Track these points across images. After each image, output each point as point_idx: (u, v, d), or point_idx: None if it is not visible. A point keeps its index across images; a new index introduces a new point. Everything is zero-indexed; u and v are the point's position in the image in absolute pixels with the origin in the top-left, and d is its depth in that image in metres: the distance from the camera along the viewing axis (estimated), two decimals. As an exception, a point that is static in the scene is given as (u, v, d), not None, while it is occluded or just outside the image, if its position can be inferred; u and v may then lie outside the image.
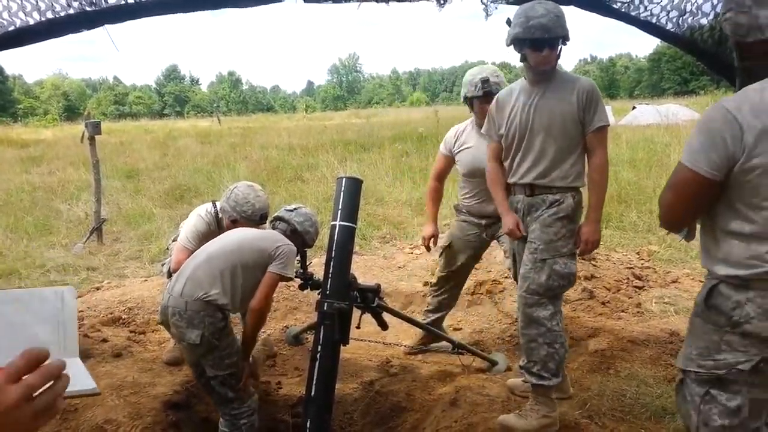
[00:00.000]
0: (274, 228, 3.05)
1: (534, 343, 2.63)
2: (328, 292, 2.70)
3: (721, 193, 1.63)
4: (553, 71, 2.63)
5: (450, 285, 3.75)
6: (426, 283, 5.39)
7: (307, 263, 3.38)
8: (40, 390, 0.70)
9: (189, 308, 2.59)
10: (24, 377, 0.69)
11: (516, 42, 2.58)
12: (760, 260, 1.58)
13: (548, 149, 2.61)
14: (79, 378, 1.05)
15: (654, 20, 2.89)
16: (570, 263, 2.65)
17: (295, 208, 3.09)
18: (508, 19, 2.63)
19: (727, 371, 1.67)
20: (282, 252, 2.79)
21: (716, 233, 1.68)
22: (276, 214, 3.10)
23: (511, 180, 2.78)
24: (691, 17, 2.99)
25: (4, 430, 0.67)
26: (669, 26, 2.89)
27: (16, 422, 0.68)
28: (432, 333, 3.75)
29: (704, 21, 3.01)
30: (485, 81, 3.33)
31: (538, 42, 2.51)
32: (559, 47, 2.58)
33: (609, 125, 2.70)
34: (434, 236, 3.79)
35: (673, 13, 2.87)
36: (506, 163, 2.79)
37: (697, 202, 1.68)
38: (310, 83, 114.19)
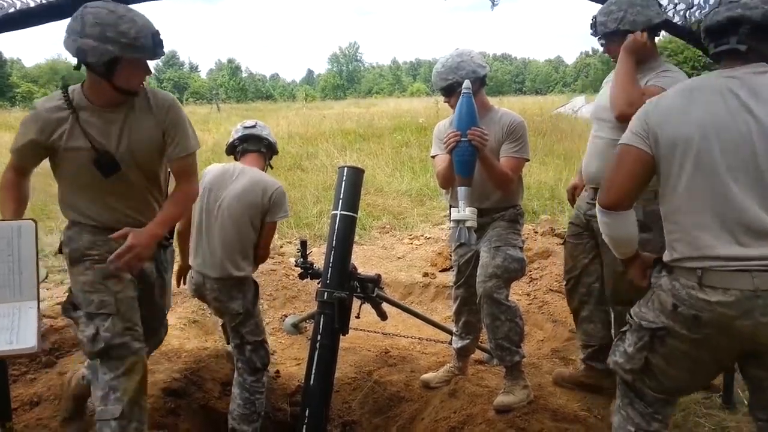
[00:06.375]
0: (244, 151, 2.95)
1: (498, 321, 2.81)
2: (328, 282, 2.69)
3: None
4: (482, 107, 2.83)
5: None
6: (425, 274, 5.40)
7: (308, 252, 3.37)
8: None
9: (225, 285, 2.77)
10: None
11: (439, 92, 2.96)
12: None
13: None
14: (22, 334, 0.90)
15: (661, 13, 2.88)
16: (520, 252, 2.91)
17: (253, 124, 2.98)
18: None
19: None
20: (275, 198, 2.79)
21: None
22: (239, 136, 2.94)
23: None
24: (699, 10, 2.97)
25: None
26: (676, 19, 2.87)
27: None
28: (434, 325, 3.75)
29: (711, 14, 3.00)
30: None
31: (443, 91, 2.87)
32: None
33: (526, 159, 2.90)
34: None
35: (681, 6, 2.86)
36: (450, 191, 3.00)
37: (636, 177, 1.77)
38: (309, 72, 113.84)
